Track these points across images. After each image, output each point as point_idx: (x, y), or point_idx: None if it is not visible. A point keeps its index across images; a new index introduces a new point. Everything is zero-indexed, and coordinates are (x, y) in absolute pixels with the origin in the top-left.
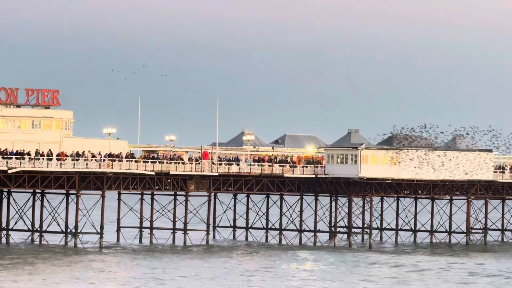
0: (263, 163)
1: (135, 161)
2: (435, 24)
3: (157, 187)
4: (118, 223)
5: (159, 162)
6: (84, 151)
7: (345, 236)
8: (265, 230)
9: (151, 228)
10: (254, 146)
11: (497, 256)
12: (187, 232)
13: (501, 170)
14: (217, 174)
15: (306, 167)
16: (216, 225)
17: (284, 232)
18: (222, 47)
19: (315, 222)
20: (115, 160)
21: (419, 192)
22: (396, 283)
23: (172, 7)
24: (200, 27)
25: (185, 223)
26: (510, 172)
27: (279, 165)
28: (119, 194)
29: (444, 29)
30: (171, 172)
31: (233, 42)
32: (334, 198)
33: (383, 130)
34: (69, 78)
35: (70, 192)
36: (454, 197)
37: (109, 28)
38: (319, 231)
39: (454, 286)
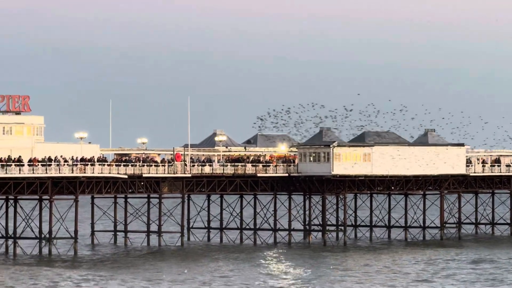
0: (236, 164)
1: (108, 165)
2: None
3: (130, 190)
4: (92, 227)
5: (132, 165)
6: (56, 156)
7: (320, 234)
8: (239, 231)
9: (126, 231)
10: (227, 147)
11: (473, 249)
12: (162, 234)
13: (471, 164)
14: (190, 175)
15: (279, 166)
16: (190, 226)
17: (258, 232)
18: (192, 49)
19: (289, 221)
20: (87, 164)
21: (392, 188)
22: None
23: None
24: (169, 28)
25: (159, 226)
26: (483, 166)
27: (252, 165)
28: (93, 198)
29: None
30: (144, 175)
31: (203, 43)
32: (308, 196)
33: (354, 127)
34: (40, 83)
35: (43, 197)
36: (427, 192)
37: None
38: (293, 229)
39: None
